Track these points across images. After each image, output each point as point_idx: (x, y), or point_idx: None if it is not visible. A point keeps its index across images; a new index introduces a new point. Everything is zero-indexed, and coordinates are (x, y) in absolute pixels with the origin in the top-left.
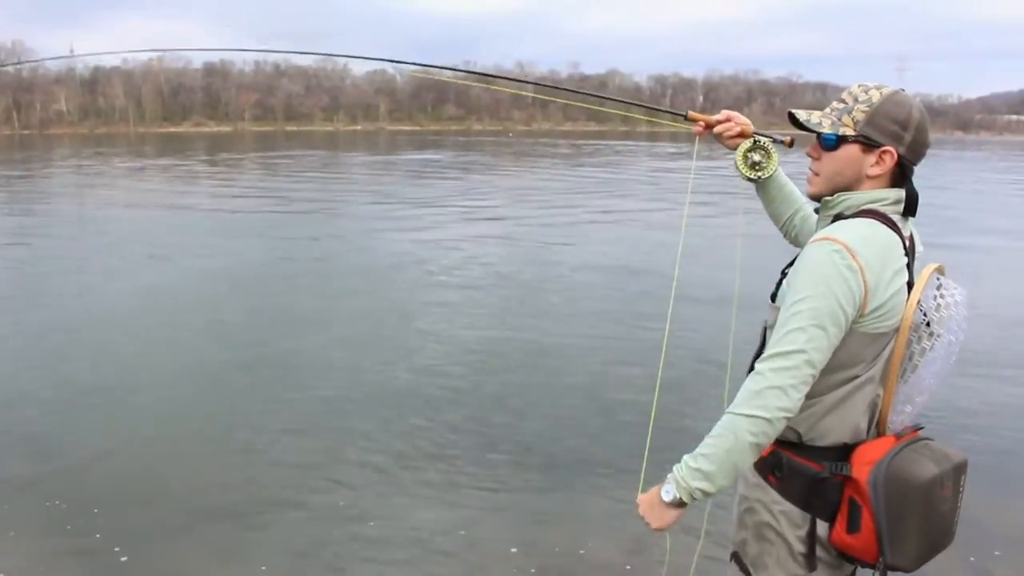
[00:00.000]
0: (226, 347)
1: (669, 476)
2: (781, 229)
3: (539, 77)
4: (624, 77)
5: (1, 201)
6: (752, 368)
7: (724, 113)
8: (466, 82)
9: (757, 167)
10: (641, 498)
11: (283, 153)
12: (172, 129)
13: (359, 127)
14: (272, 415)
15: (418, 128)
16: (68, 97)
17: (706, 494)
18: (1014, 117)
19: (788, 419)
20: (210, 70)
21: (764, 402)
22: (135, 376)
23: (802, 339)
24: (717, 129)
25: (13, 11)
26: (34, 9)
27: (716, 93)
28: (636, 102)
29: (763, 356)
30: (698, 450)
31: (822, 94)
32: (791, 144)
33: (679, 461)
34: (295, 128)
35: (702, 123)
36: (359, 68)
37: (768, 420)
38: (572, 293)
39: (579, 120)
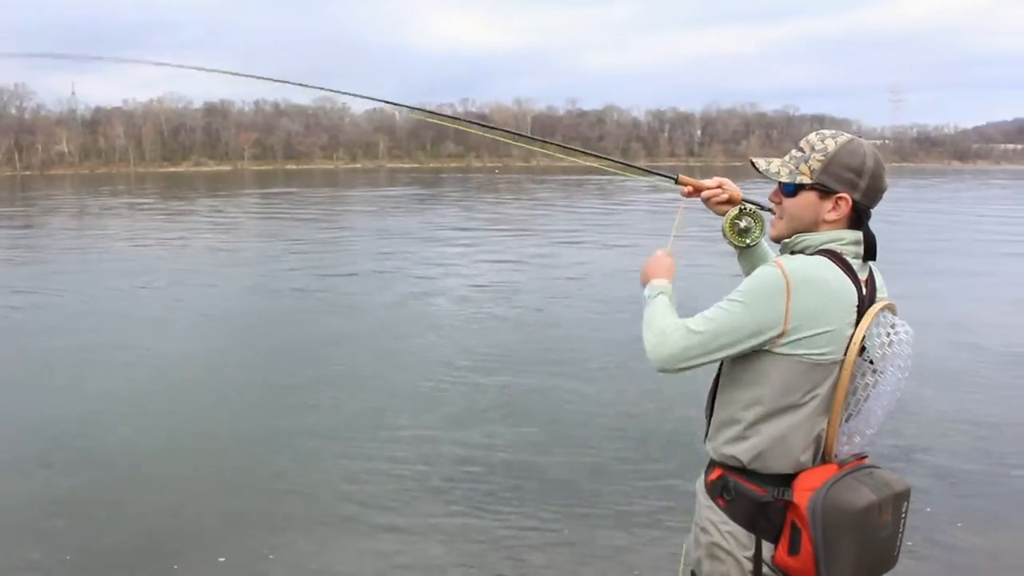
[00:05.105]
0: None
1: (653, 285)
2: None
3: (536, 114)
4: (622, 112)
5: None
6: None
7: (715, 180)
8: (467, 128)
9: (744, 233)
10: (663, 257)
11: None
12: (172, 169)
13: (359, 165)
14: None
15: (417, 165)
16: (69, 138)
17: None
18: (1011, 146)
19: (661, 369)
20: (210, 109)
21: (662, 346)
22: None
23: (707, 327)
24: (705, 194)
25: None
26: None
27: (714, 127)
28: (629, 163)
29: (686, 319)
30: (657, 303)
31: (819, 125)
32: None
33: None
34: (295, 166)
35: (691, 187)
36: (358, 107)
37: (648, 354)
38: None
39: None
